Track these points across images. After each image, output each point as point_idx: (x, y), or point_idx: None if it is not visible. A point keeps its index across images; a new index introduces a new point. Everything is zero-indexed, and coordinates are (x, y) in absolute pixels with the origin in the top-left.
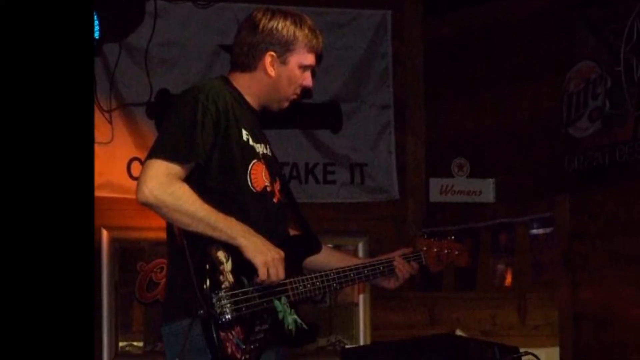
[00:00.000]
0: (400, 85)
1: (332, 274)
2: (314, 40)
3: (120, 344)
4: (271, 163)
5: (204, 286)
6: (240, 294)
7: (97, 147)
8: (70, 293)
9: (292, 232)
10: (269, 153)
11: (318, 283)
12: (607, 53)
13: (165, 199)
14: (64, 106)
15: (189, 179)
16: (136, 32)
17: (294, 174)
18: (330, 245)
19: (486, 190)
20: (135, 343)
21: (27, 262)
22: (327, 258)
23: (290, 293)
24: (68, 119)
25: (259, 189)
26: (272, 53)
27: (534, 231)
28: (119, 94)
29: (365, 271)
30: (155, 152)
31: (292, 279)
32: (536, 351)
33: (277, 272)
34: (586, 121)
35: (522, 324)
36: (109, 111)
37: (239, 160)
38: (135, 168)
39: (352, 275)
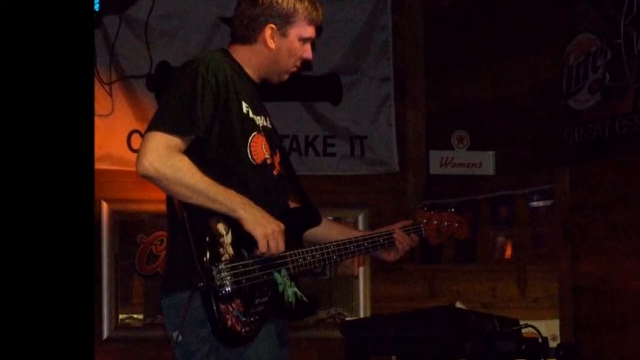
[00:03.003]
0: (400, 57)
1: (332, 247)
2: (314, 13)
3: (120, 316)
4: (271, 135)
5: (204, 259)
6: (240, 267)
7: (97, 120)
8: (71, 266)
9: (292, 205)
10: (269, 125)
11: (318, 255)
12: (607, 25)
13: (165, 172)
14: (64, 78)
15: (189, 152)
16: (136, 4)
17: (294, 146)
18: (330, 217)
19: (486, 162)
20: (135, 315)
21: (27, 235)
22: (327, 230)
23: (290, 265)
24: (68, 92)
25: (259, 161)
26: (272, 25)
27: (534, 203)
28: (119, 66)
29: (365, 244)
30: (155, 125)
31: (292, 252)
32: (536, 323)
33: (277, 244)
34: (586, 93)
35: (522, 296)
36: (109, 83)
37: (239, 133)
38: (135, 140)
39: (352, 247)
